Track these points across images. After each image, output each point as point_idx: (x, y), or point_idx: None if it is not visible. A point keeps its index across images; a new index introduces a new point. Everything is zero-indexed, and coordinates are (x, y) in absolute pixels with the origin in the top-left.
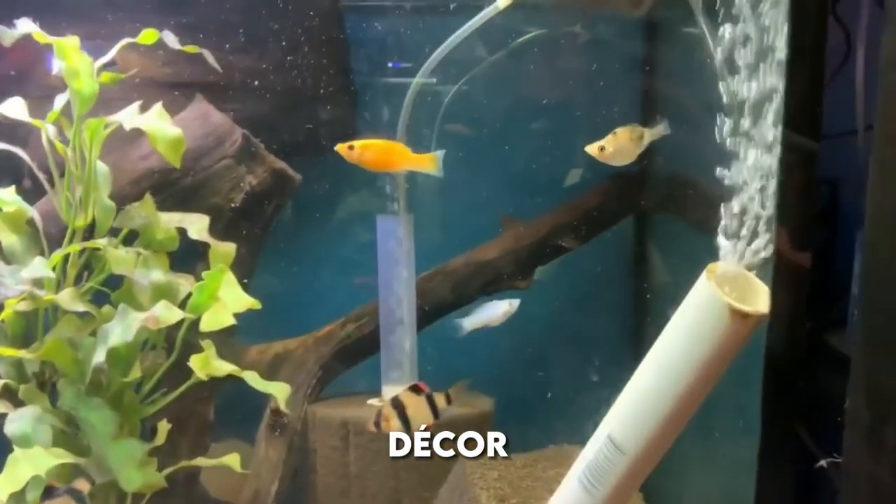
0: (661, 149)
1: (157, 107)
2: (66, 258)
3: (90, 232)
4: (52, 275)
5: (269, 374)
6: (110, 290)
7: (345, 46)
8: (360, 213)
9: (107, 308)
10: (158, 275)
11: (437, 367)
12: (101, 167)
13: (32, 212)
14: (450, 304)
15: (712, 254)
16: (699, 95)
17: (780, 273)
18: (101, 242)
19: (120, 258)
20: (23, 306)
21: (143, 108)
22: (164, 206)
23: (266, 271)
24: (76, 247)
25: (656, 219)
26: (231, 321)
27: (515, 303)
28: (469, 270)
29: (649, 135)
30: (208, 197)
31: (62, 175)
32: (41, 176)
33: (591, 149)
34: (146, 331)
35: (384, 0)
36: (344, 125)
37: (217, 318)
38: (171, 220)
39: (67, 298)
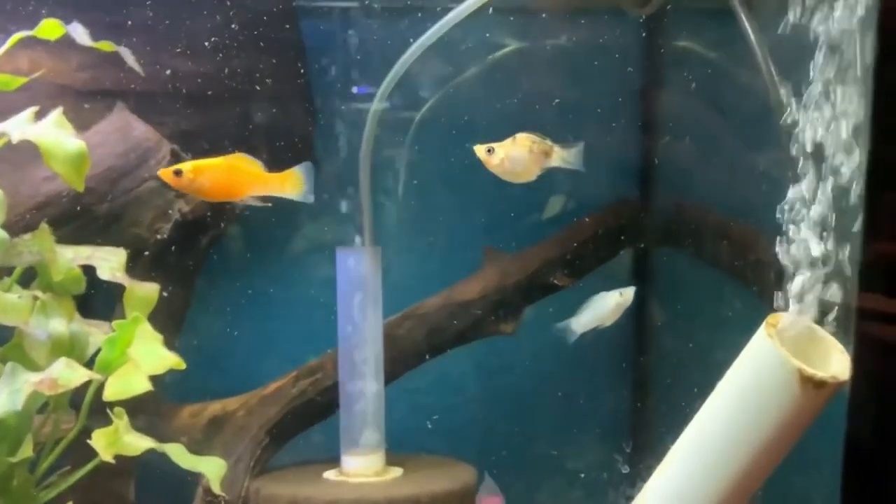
0: (669, 170)
1: (55, 113)
2: None
3: None
4: None
5: (205, 440)
6: None
7: (300, 50)
8: (316, 245)
9: None
10: (59, 325)
11: (407, 427)
12: None
13: None
14: (423, 354)
15: (740, 299)
16: (718, 108)
17: (862, 328)
18: None
19: (8, 305)
20: None
21: (40, 116)
22: (75, 237)
23: (200, 314)
24: None
25: (661, 253)
26: (145, 387)
27: (629, 292)
28: (446, 313)
29: (559, 156)
30: (129, 227)
31: None
32: None
33: (479, 150)
34: (41, 396)
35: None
36: (298, 136)
37: (127, 382)
38: (76, 257)
39: None
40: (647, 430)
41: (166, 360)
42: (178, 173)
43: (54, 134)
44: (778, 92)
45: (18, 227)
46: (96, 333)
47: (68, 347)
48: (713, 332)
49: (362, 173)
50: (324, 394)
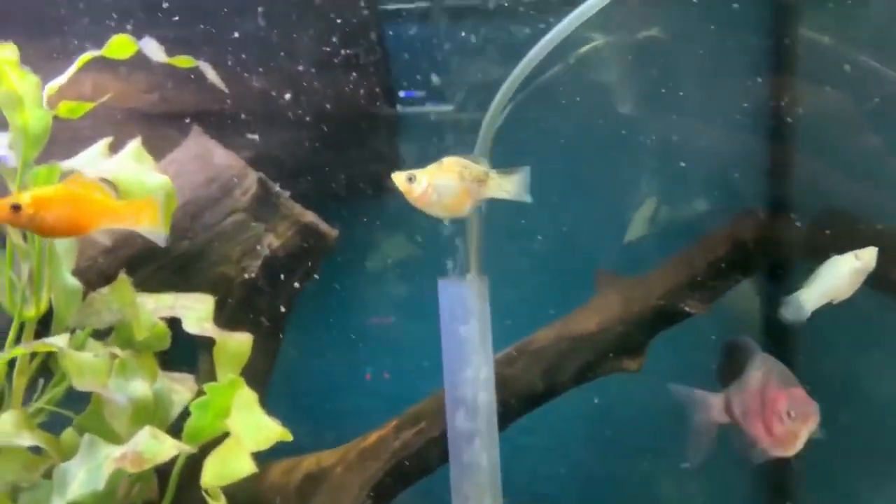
0: (809, 174)
1: (133, 145)
2: (9, 364)
3: (46, 324)
4: None
5: (299, 501)
6: (74, 413)
7: (384, 61)
8: (415, 274)
9: (68, 435)
10: (141, 386)
11: (523, 477)
12: None
13: None
14: (539, 396)
15: None
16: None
17: None
18: (57, 342)
19: (84, 365)
20: None
21: (116, 147)
22: (151, 282)
23: (287, 356)
24: (21, 349)
25: (804, 270)
26: (249, 468)
27: (867, 254)
28: (562, 348)
29: (496, 184)
30: (212, 266)
31: (2, 246)
32: None
33: (399, 179)
34: (124, 472)
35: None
36: (385, 158)
37: (227, 464)
38: (157, 307)
39: (10, 428)
40: (789, 475)
41: (271, 431)
42: (16, 208)
43: (133, 169)
44: None
45: (91, 272)
46: (180, 391)
47: (152, 412)
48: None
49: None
50: (430, 446)
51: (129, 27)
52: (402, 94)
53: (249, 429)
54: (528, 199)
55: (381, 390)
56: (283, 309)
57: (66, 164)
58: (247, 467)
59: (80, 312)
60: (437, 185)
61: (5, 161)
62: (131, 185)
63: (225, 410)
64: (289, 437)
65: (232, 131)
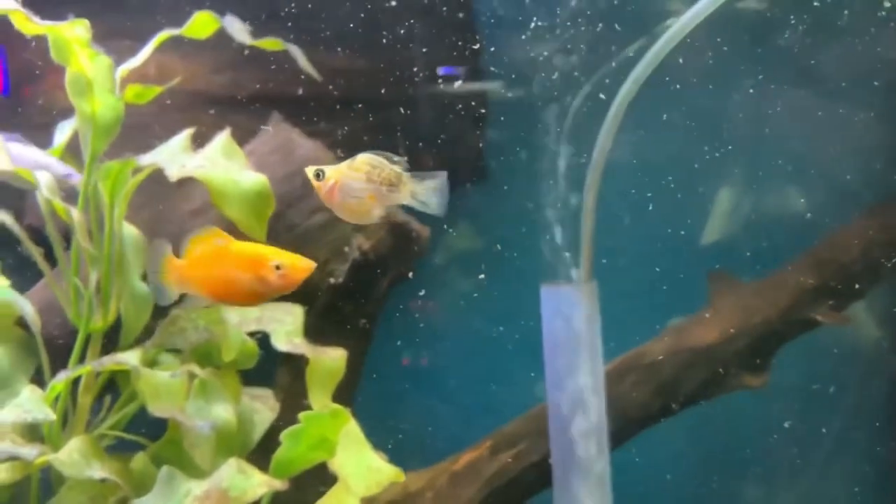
0: None
1: (222, 138)
2: (74, 382)
3: (114, 337)
4: (52, 415)
5: None
6: (148, 440)
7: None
8: (516, 279)
9: (140, 463)
10: (224, 410)
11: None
12: (130, 234)
13: (23, 305)
14: (653, 416)
15: None
16: None
17: None
18: (129, 360)
19: (160, 387)
20: (2, 475)
21: (198, 140)
22: None
23: (370, 367)
24: (88, 367)
25: None
26: None
27: None
28: (678, 363)
29: (408, 190)
30: None
31: (68, 248)
32: (35, 251)
33: (308, 172)
34: None
35: None
36: (469, 145)
37: None
38: (243, 321)
39: (77, 457)
40: None
41: (382, 472)
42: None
43: (224, 167)
44: None
45: None
46: (261, 410)
47: (235, 439)
48: None
49: (589, 191)
50: (530, 471)
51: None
52: (441, 70)
53: (359, 471)
54: (440, 211)
55: (472, 408)
56: (371, 315)
57: (145, 160)
58: None
59: (163, 331)
60: (343, 184)
61: (72, 178)
62: (224, 185)
63: (320, 440)
64: (401, 478)
65: (312, 118)
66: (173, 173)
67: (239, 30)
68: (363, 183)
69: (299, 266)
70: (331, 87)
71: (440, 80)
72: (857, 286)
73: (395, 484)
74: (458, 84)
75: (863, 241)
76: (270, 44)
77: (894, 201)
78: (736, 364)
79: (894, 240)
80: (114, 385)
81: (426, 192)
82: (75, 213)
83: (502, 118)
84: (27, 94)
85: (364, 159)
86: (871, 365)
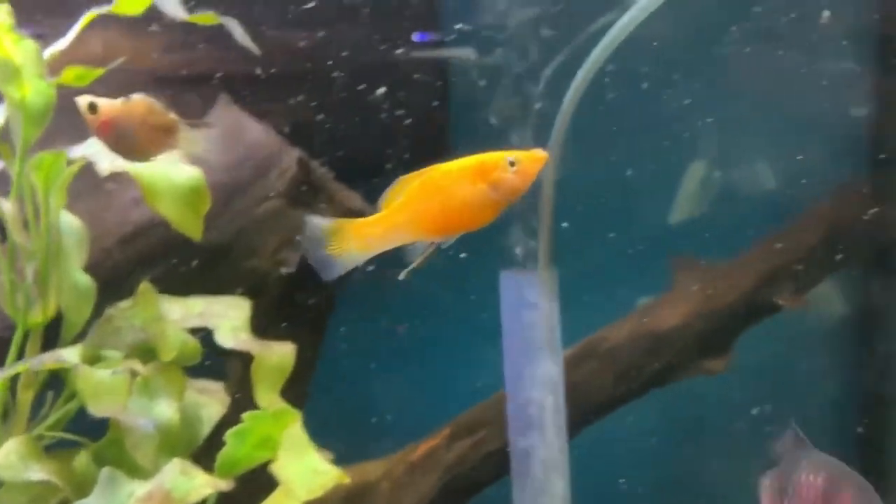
0: None
1: None
2: (11, 382)
3: (54, 331)
4: None
5: None
6: (89, 440)
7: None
8: (473, 266)
9: (82, 463)
10: (168, 408)
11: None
12: (68, 223)
13: None
14: (611, 403)
15: None
16: None
17: None
18: (69, 357)
19: (101, 386)
20: None
21: None
22: (173, 279)
23: (326, 357)
24: (24, 366)
25: None
26: None
27: None
28: (638, 348)
29: (183, 137)
30: (243, 259)
31: (3, 241)
32: None
33: (82, 102)
34: None
35: None
36: (434, 129)
37: None
38: (185, 316)
39: (14, 458)
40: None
41: (324, 475)
42: None
43: (157, 161)
44: None
45: (105, 267)
46: (209, 405)
47: (179, 437)
48: None
49: (546, 176)
50: (488, 459)
51: None
52: (415, 37)
53: (302, 475)
54: (211, 159)
55: (429, 397)
56: (323, 308)
57: (76, 152)
58: None
59: (98, 331)
60: (118, 124)
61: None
62: (156, 181)
63: (264, 440)
64: (346, 480)
65: (264, 97)
66: (104, 168)
67: (173, 5)
68: (136, 123)
69: (534, 157)
70: (284, 62)
71: (399, 51)
72: (819, 269)
73: (355, 470)
74: (418, 53)
75: (823, 224)
76: (205, 18)
77: (857, 182)
78: (697, 349)
79: (858, 222)
80: (58, 379)
81: (193, 140)
82: (7, 205)
83: (468, 91)
84: None
85: (140, 100)
86: (836, 343)
